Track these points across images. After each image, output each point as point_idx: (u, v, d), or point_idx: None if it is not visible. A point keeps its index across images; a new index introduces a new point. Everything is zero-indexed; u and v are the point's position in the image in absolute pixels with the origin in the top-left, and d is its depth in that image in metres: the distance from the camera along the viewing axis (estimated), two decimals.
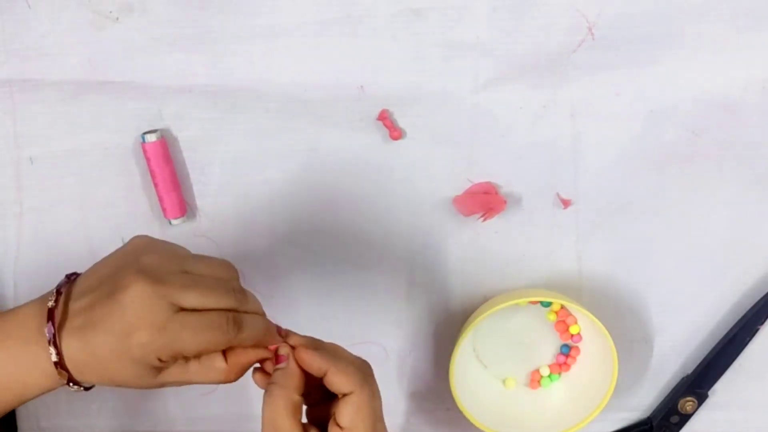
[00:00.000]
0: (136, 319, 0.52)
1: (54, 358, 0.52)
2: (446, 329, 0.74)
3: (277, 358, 0.56)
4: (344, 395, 0.54)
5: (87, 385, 0.55)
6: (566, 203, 0.72)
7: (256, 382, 0.57)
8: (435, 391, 0.75)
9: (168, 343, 0.52)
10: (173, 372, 0.55)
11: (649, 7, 0.68)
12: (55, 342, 0.52)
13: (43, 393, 0.55)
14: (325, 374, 0.55)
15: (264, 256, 0.73)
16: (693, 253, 0.73)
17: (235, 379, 0.56)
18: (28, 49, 0.69)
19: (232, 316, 0.54)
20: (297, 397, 0.54)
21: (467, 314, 0.73)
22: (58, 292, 0.54)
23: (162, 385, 0.55)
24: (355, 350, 0.74)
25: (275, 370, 0.55)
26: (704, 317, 0.74)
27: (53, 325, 0.53)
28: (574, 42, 0.69)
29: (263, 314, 0.56)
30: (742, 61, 0.69)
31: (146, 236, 0.56)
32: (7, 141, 0.71)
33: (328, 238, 0.73)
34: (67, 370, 0.53)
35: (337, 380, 0.54)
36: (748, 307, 0.73)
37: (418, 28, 0.69)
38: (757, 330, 0.72)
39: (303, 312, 0.74)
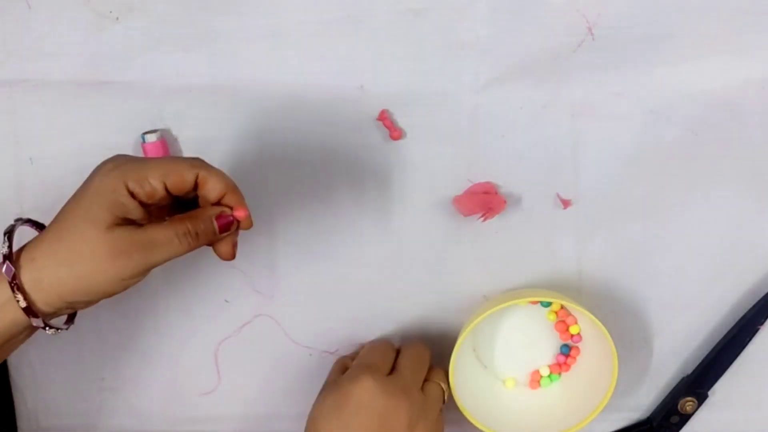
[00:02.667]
0: (104, 163, 0.55)
1: (4, 250, 0.54)
2: (446, 329, 0.74)
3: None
4: None
5: (51, 313, 0.55)
6: (566, 203, 0.72)
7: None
8: None
9: (135, 165, 0.53)
10: (140, 231, 0.54)
11: (649, 7, 0.68)
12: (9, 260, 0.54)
13: (11, 341, 0.55)
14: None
15: (264, 256, 0.73)
16: (693, 253, 0.73)
17: (193, 239, 0.56)
18: (28, 49, 0.69)
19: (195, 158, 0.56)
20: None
21: (467, 314, 0.73)
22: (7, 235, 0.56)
23: (133, 262, 0.54)
24: (355, 350, 0.75)
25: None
26: (704, 317, 0.74)
27: (11, 262, 0.54)
28: (574, 42, 0.69)
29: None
30: (742, 61, 0.69)
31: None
32: (7, 141, 0.71)
33: (328, 238, 0.73)
34: (29, 300, 0.53)
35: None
36: (748, 307, 0.73)
37: (418, 28, 0.69)
38: (757, 330, 0.72)
39: (303, 312, 0.74)
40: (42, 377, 0.74)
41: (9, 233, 0.56)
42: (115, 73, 0.70)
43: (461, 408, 0.70)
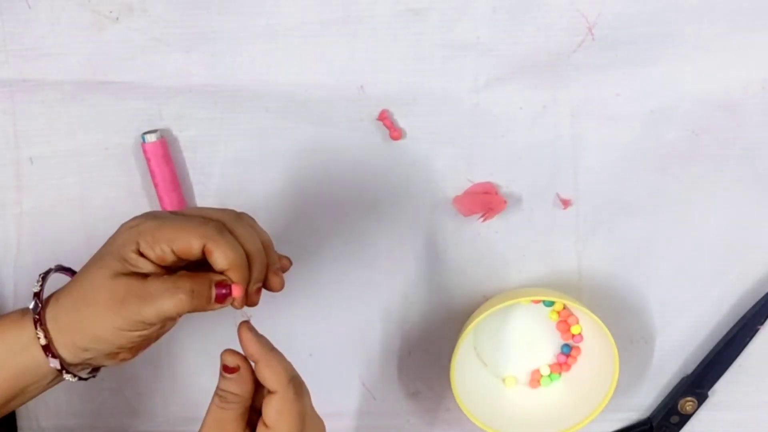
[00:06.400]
0: (125, 223, 0.56)
1: (36, 288, 0.56)
2: (446, 329, 0.74)
3: (228, 369, 0.55)
4: (269, 393, 0.54)
5: (73, 362, 0.56)
6: (566, 203, 0.72)
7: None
8: (435, 391, 0.75)
9: (151, 226, 0.53)
10: (148, 283, 0.53)
11: (649, 7, 0.68)
12: (38, 300, 0.55)
13: (35, 383, 0.56)
14: (256, 364, 0.54)
15: None
16: (693, 253, 0.73)
17: (187, 295, 0.54)
18: (28, 49, 0.69)
19: (216, 221, 0.54)
20: (247, 406, 0.55)
21: (467, 314, 0.73)
22: (43, 277, 0.58)
23: (140, 316, 0.53)
24: (355, 350, 0.75)
25: (226, 378, 0.55)
26: (704, 317, 0.74)
27: (40, 300, 0.56)
28: (574, 42, 0.69)
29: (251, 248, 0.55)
30: (742, 61, 0.69)
31: None
32: (7, 141, 0.71)
33: (328, 238, 0.73)
34: (49, 339, 0.54)
35: (264, 374, 0.54)
36: (748, 307, 0.73)
37: (418, 28, 0.69)
38: (757, 330, 0.72)
39: (302, 312, 0.74)
40: None
41: (44, 275, 0.58)
42: (115, 73, 0.70)
43: (461, 406, 0.70)
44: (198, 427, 0.76)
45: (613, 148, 0.71)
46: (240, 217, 0.57)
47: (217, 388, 0.55)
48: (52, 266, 0.60)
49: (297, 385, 0.54)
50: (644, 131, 0.71)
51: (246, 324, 0.55)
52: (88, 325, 0.54)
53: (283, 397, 0.53)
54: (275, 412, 0.53)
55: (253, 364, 0.55)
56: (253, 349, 0.54)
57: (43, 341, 0.55)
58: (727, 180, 0.71)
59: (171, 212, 0.57)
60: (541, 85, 0.70)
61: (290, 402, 0.54)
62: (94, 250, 0.72)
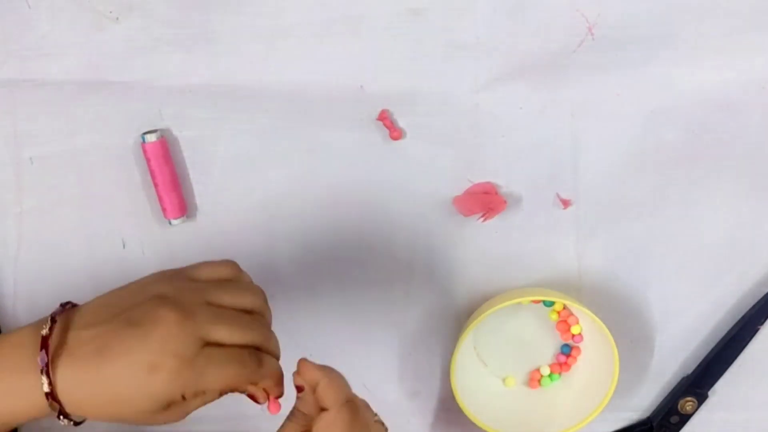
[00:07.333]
0: (163, 353, 0.51)
1: (46, 388, 0.51)
2: (446, 329, 0.74)
3: (297, 388, 0.56)
4: (323, 410, 0.54)
5: (77, 420, 0.54)
6: (566, 203, 0.72)
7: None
8: (435, 391, 0.75)
9: (194, 379, 0.52)
10: (184, 406, 0.54)
11: (649, 7, 0.68)
12: (47, 372, 0.51)
13: (29, 421, 0.54)
14: (318, 384, 0.55)
15: (264, 256, 0.73)
16: (693, 253, 0.73)
17: None
18: (28, 49, 0.69)
19: (254, 351, 0.55)
20: (311, 425, 0.55)
21: (467, 314, 0.73)
22: (53, 320, 0.53)
23: (164, 421, 0.54)
24: (355, 350, 0.75)
25: (298, 397, 0.56)
26: (704, 317, 0.74)
27: (47, 353, 0.51)
28: (574, 42, 0.69)
29: (279, 356, 0.58)
30: (742, 61, 0.69)
31: (159, 271, 0.57)
32: (7, 141, 0.71)
33: (328, 238, 0.73)
34: (59, 402, 0.52)
35: (324, 392, 0.54)
36: (748, 307, 0.73)
37: (418, 28, 0.69)
38: (757, 330, 0.72)
39: (302, 312, 0.74)
40: None
41: (52, 319, 0.53)
42: (115, 73, 0.70)
43: (461, 406, 0.70)
44: (197, 427, 0.77)
45: (613, 148, 0.71)
46: (263, 322, 0.58)
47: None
48: (57, 308, 0.56)
49: (352, 410, 0.54)
50: (644, 131, 0.71)
51: (304, 359, 0.56)
52: (125, 417, 0.53)
53: (334, 416, 0.54)
54: (322, 427, 0.54)
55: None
56: (313, 373, 0.55)
57: (65, 423, 0.53)
58: (727, 180, 0.71)
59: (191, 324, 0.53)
60: (541, 85, 0.70)
61: (341, 421, 0.54)
62: (94, 250, 0.72)
